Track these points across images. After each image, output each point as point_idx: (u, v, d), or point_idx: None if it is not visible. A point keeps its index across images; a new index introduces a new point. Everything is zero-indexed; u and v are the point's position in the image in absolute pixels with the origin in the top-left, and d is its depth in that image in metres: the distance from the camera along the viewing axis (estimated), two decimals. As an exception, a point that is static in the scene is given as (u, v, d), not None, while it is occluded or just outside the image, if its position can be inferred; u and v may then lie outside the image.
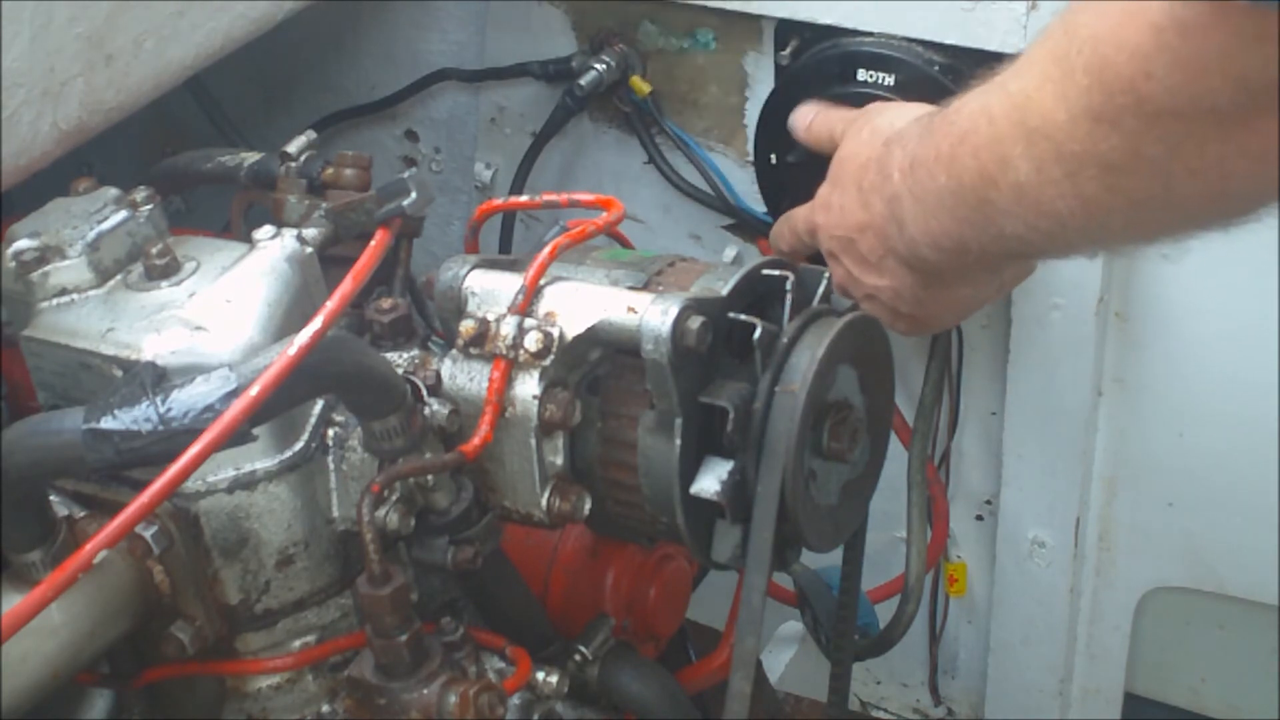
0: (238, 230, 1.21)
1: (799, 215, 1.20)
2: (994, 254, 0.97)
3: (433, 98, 1.70)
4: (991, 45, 1.22)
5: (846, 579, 1.26)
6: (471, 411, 0.97)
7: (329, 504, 0.99)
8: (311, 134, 1.18)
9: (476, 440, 0.96)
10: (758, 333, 0.96)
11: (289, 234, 1.02)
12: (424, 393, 0.97)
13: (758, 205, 1.44)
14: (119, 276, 0.99)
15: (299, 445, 0.97)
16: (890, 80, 1.26)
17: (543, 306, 0.98)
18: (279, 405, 0.85)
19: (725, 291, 0.98)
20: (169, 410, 0.81)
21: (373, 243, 0.98)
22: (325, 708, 1.01)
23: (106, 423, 0.81)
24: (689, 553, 1.04)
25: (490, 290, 1.00)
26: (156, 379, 0.85)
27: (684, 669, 1.26)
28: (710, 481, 0.96)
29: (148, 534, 0.91)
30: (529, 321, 0.97)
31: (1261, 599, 1.39)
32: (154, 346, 0.92)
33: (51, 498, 0.92)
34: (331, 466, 0.98)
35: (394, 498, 0.95)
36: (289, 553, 0.97)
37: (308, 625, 1.00)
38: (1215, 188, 0.78)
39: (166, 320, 0.94)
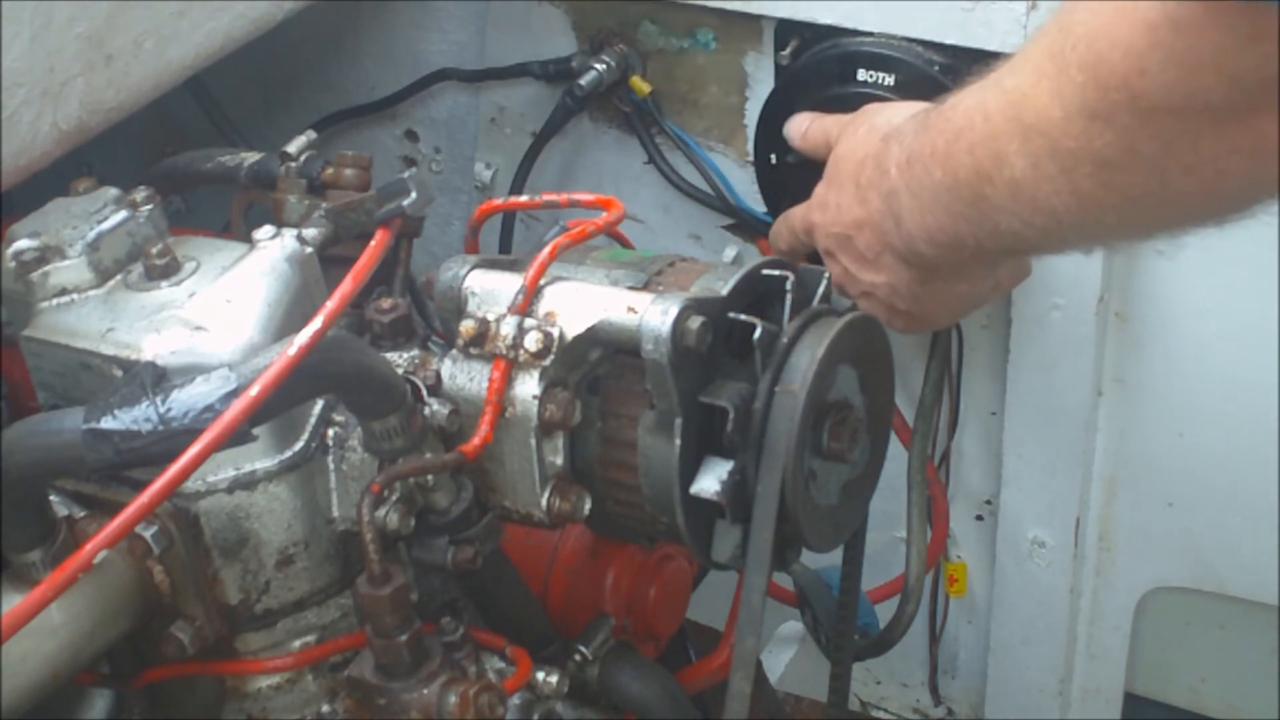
0: (238, 230, 1.21)
1: (796, 214, 1.20)
2: (990, 249, 0.98)
3: (433, 98, 1.70)
4: (991, 45, 1.22)
5: (846, 579, 1.26)
6: (471, 411, 0.97)
7: (329, 504, 0.99)
8: (311, 134, 1.18)
9: (476, 440, 0.96)
10: (758, 333, 0.96)
11: (289, 234, 1.02)
12: (424, 393, 0.97)
13: (758, 205, 1.44)
14: (119, 276, 0.99)
15: (299, 445, 0.97)
16: (890, 80, 1.26)
17: (543, 306, 0.98)
18: (279, 405, 0.85)
19: (725, 291, 0.98)
20: (169, 410, 0.81)
21: (373, 243, 0.98)
22: (325, 708, 1.01)
23: (106, 423, 0.81)
24: (689, 553, 1.04)
25: (490, 290, 1.00)
26: (156, 379, 0.85)
27: (684, 669, 1.26)
28: (710, 481, 0.96)
29: (148, 534, 0.91)
30: (529, 321, 0.97)
31: (1261, 599, 1.39)
32: (154, 346, 0.92)
33: (51, 498, 0.92)
34: (331, 466, 0.98)
35: (394, 498, 0.95)
36: (289, 553, 0.97)
37: (308, 625, 1.00)
38: (1210, 184, 0.78)
39: (166, 320, 0.94)
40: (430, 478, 0.95)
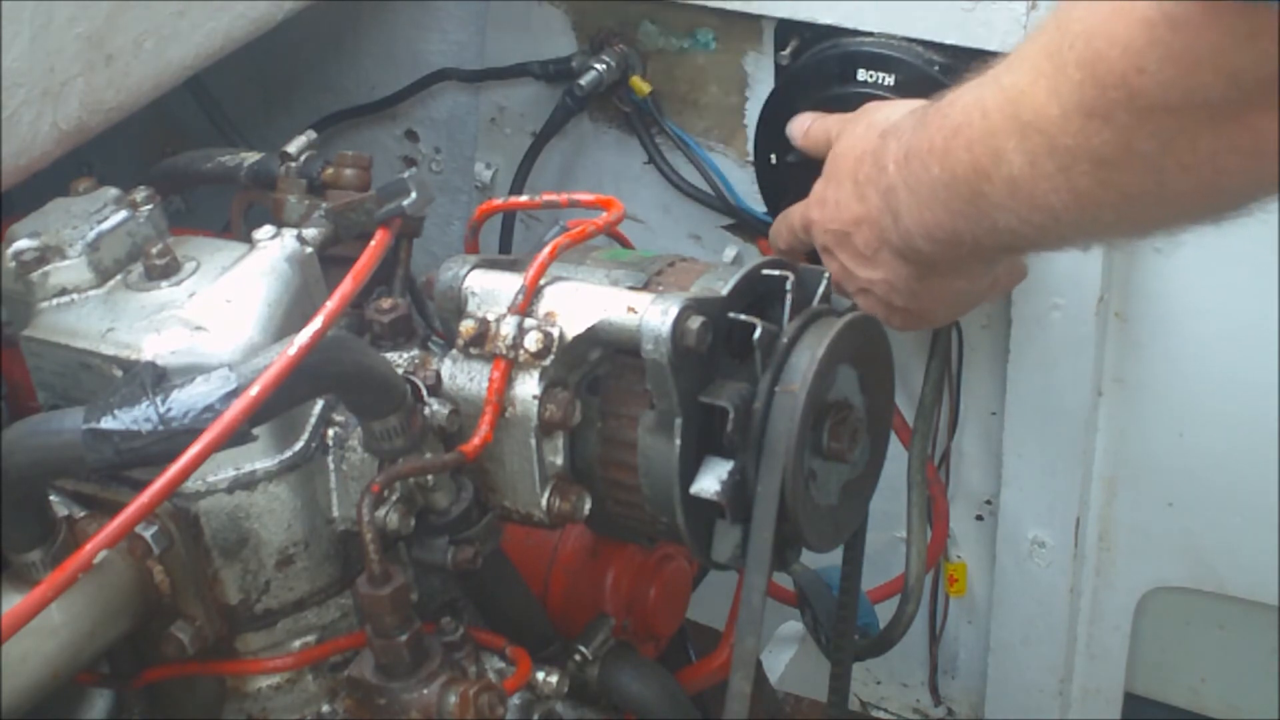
0: (238, 230, 1.21)
1: (795, 212, 1.20)
2: (988, 247, 0.98)
3: (433, 98, 1.70)
4: (991, 45, 1.22)
5: (846, 579, 1.26)
6: (471, 411, 0.97)
7: (329, 504, 0.99)
8: (311, 134, 1.18)
9: (476, 440, 0.96)
10: (758, 333, 0.96)
11: (289, 234, 1.02)
12: (424, 393, 0.97)
13: (758, 205, 1.44)
14: (119, 276, 0.99)
15: (299, 445, 0.97)
16: (890, 80, 1.26)
17: (543, 306, 0.98)
18: (279, 405, 0.85)
19: (725, 291, 0.98)
20: (169, 410, 0.81)
21: (373, 243, 0.98)
22: (325, 708, 1.01)
23: (106, 423, 0.81)
24: (689, 553, 1.04)
25: (490, 290, 1.00)
26: (156, 379, 0.85)
27: (684, 669, 1.26)
28: (710, 481, 0.96)
29: (148, 534, 0.91)
30: (529, 321, 0.97)
31: (1261, 599, 1.39)
32: (154, 346, 0.92)
33: (51, 498, 0.92)
34: (331, 466, 0.98)
35: (394, 498, 0.95)
36: (289, 553, 0.97)
37: (308, 625, 1.00)
38: (1207, 182, 0.79)
39: (166, 320, 0.94)
40: (430, 478, 0.95)
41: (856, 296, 1.13)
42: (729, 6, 1.38)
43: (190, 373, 0.85)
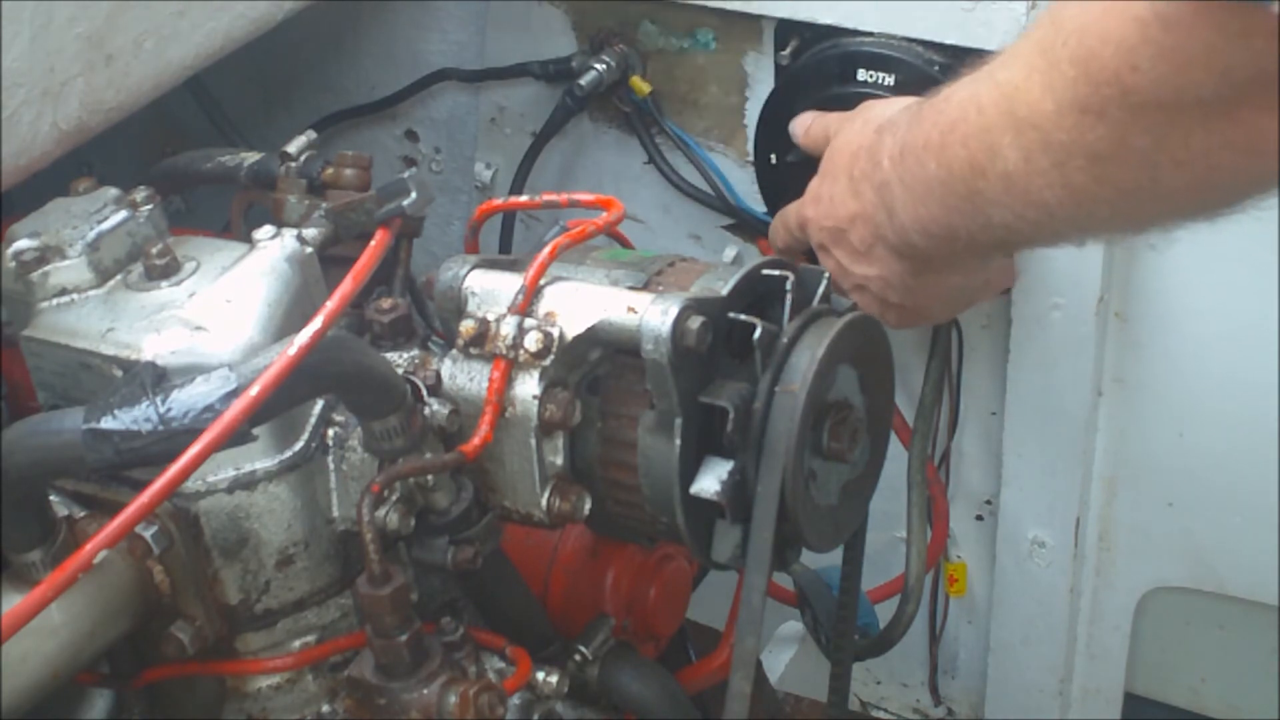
0: (238, 230, 1.21)
1: (791, 211, 1.21)
2: (982, 242, 0.98)
3: (433, 98, 1.70)
4: (991, 45, 1.22)
5: (846, 579, 1.26)
6: (471, 411, 0.97)
7: (329, 504, 0.99)
8: (311, 134, 1.18)
9: (476, 440, 0.96)
10: (758, 333, 0.96)
11: (289, 234, 1.02)
12: (424, 393, 0.97)
13: (758, 205, 1.44)
14: (119, 276, 0.99)
15: (299, 445, 0.97)
16: (890, 80, 1.26)
17: (543, 306, 0.98)
18: (279, 405, 0.85)
19: (725, 291, 0.98)
20: (169, 410, 0.81)
21: (373, 243, 0.98)
22: (325, 708, 1.01)
23: (106, 423, 0.81)
24: (689, 553, 1.04)
25: (490, 290, 1.00)
26: (156, 379, 0.85)
27: (684, 669, 1.26)
28: (710, 481, 0.96)
29: (148, 534, 0.91)
30: (529, 321, 0.97)
31: (1261, 599, 1.39)
32: (154, 346, 0.92)
33: (51, 498, 0.92)
34: (331, 466, 0.98)
35: (394, 498, 0.95)
36: (289, 553, 0.97)
37: (308, 625, 1.00)
38: (1201, 178, 0.79)
39: (166, 320, 0.94)
40: (430, 478, 0.95)
41: (852, 293, 1.13)
42: (729, 6, 1.38)
43: (190, 373, 0.85)
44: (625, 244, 1.16)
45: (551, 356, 0.96)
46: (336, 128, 1.73)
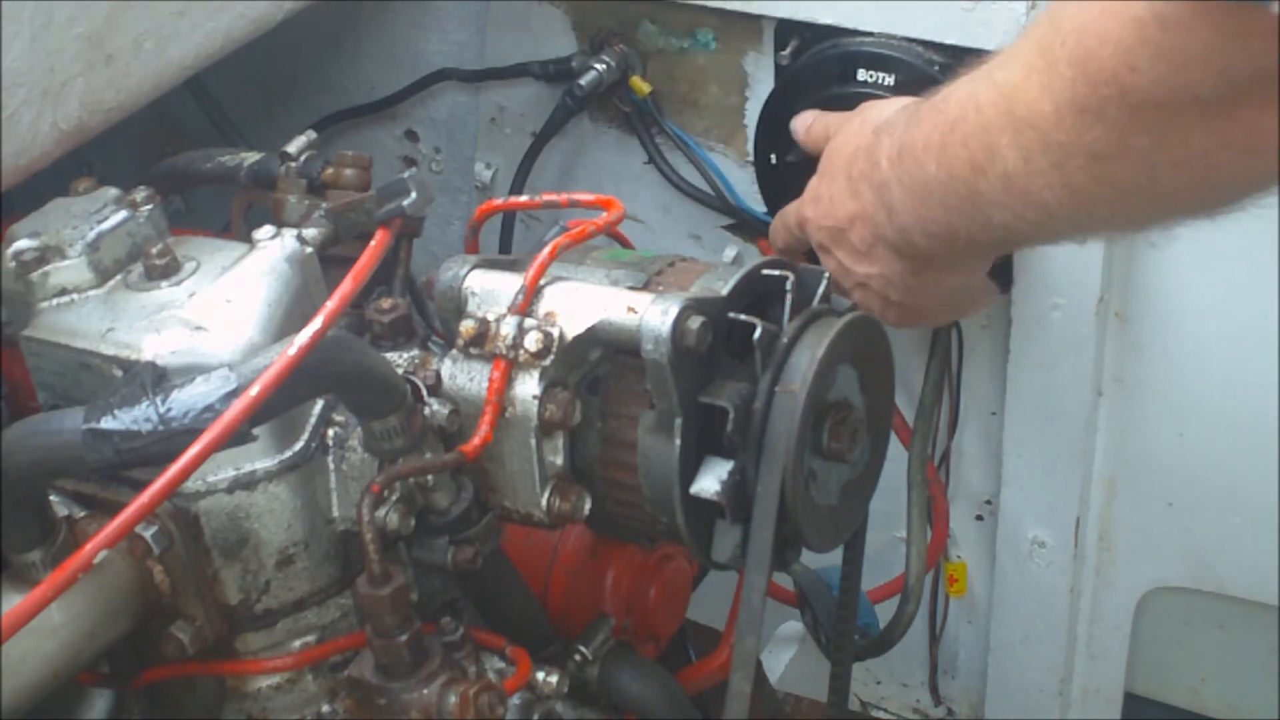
0: (238, 230, 1.21)
1: (790, 211, 1.21)
2: (982, 242, 0.98)
3: (433, 98, 1.70)
4: (991, 45, 1.22)
5: (846, 579, 1.26)
6: (471, 411, 0.97)
7: (329, 504, 0.99)
8: (311, 134, 1.18)
9: (476, 440, 0.96)
10: (758, 333, 0.96)
11: (289, 234, 1.02)
12: (424, 393, 0.97)
13: (758, 205, 1.44)
14: (119, 276, 0.99)
15: (299, 445, 0.97)
16: (890, 80, 1.26)
17: (543, 306, 0.98)
18: (279, 405, 0.85)
19: (725, 291, 0.98)
20: (169, 410, 0.81)
21: (373, 243, 0.98)
22: (325, 708, 1.01)
23: (106, 423, 0.81)
24: (689, 553, 1.04)
25: (490, 290, 1.00)
26: (156, 379, 0.85)
27: (684, 669, 1.26)
28: (710, 481, 0.96)
29: (148, 534, 0.91)
30: (529, 321, 0.97)
31: (1261, 599, 1.39)
32: (154, 346, 0.92)
33: (51, 498, 0.92)
34: (331, 466, 0.98)
35: (394, 498, 0.95)
36: (289, 553, 0.97)
37: (308, 625, 1.00)
38: (1200, 178, 0.79)
39: (166, 320, 0.94)
40: (430, 478, 0.95)
41: (853, 292, 1.13)
42: (729, 6, 1.38)
43: (190, 373, 0.85)
44: (625, 244, 1.16)
45: (551, 356, 0.96)
46: (336, 128, 1.73)
